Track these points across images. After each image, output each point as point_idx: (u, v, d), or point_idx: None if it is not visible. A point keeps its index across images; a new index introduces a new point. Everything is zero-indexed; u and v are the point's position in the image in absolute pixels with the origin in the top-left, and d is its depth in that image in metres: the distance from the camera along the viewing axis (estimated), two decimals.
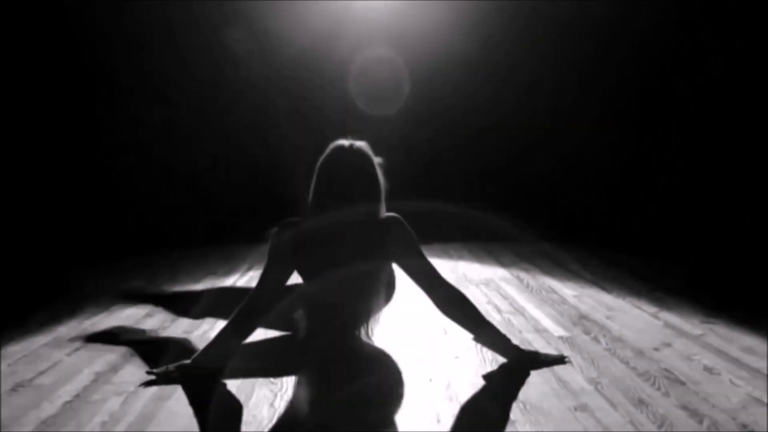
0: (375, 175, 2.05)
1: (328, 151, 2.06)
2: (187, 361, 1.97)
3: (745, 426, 1.55)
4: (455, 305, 2.03)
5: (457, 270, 3.43)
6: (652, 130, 4.46)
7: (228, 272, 3.52)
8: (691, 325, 2.42)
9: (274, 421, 1.63)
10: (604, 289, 3.01)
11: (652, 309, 2.64)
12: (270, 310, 2.05)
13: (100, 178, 4.46)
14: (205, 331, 2.44)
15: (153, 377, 1.91)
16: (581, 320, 2.50)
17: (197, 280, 3.33)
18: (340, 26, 4.49)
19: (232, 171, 4.60)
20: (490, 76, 4.51)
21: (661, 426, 1.56)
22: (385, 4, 4.55)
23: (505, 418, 1.64)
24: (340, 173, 2.02)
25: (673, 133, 4.41)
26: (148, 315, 2.68)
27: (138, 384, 1.86)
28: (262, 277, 2.05)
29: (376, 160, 2.08)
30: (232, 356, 1.99)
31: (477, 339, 2.14)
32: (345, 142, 2.06)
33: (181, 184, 4.53)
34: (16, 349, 2.24)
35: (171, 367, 1.96)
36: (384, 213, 2.07)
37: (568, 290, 2.99)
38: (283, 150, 4.55)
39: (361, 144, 2.07)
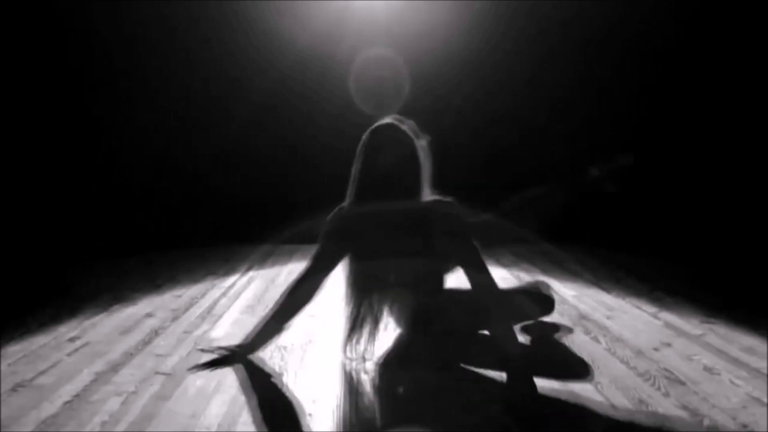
0: (414, 157, 2.06)
1: (369, 132, 2.09)
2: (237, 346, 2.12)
3: (745, 426, 1.55)
4: (486, 298, 2.03)
5: (457, 271, 3.43)
6: (652, 129, 4.45)
7: (228, 272, 3.52)
8: (691, 325, 2.42)
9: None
10: (604, 289, 3.01)
11: (652, 309, 2.64)
12: (311, 297, 2.09)
13: (99, 177, 4.46)
14: (205, 331, 2.44)
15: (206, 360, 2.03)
16: (581, 320, 2.50)
17: (197, 280, 3.33)
18: (340, 26, 4.49)
19: (232, 171, 4.59)
20: (491, 76, 4.50)
21: (661, 426, 1.56)
22: (385, 4, 4.54)
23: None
24: (378, 157, 2.04)
25: (673, 133, 4.41)
26: (149, 315, 2.68)
27: (189, 368, 1.98)
28: (309, 264, 2.10)
29: (420, 142, 2.09)
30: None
31: (489, 331, 2.16)
32: (386, 122, 2.09)
33: (181, 183, 4.53)
34: (16, 349, 2.24)
35: (226, 349, 2.11)
36: (429, 196, 2.08)
37: (568, 290, 2.99)
38: (283, 150, 4.55)
39: (403, 125, 2.08)
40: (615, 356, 2.08)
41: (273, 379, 1.92)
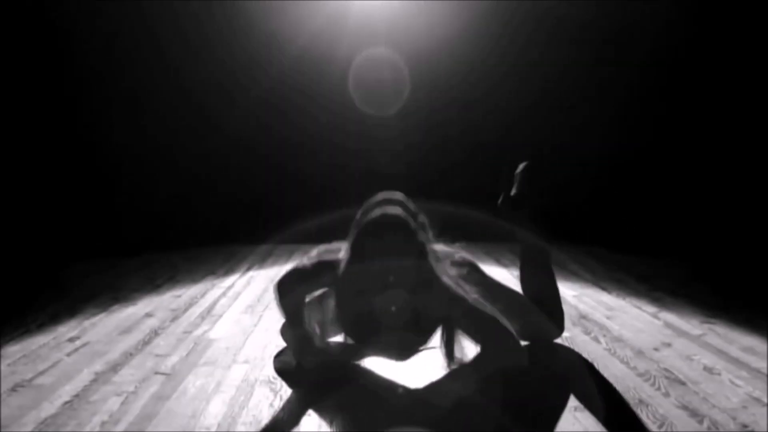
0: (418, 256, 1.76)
1: (368, 221, 1.75)
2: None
3: (745, 426, 1.55)
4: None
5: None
6: (651, 128, 4.45)
7: (228, 272, 3.52)
8: (691, 325, 2.42)
9: (272, 420, 1.63)
10: (604, 289, 3.01)
11: (652, 309, 2.64)
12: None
13: (99, 177, 4.46)
14: (205, 331, 2.43)
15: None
16: (581, 320, 2.50)
17: (197, 280, 3.33)
18: (340, 26, 4.49)
19: (231, 170, 4.59)
20: (492, 76, 4.50)
21: (661, 426, 1.56)
22: (386, 4, 4.54)
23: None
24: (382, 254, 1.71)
25: (672, 132, 4.41)
26: (148, 315, 2.68)
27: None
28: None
29: (417, 221, 1.82)
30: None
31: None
32: (382, 212, 1.76)
33: (180, 183, 4.53)
34: (16, 349, 2.24)
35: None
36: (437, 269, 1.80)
37: (568, 290, 2.99)
38: (283, 150, 4.55)
39: (396, 211, 1.77)
40: (615, 356, 2.08)
41: (272, 381, 1.92)
